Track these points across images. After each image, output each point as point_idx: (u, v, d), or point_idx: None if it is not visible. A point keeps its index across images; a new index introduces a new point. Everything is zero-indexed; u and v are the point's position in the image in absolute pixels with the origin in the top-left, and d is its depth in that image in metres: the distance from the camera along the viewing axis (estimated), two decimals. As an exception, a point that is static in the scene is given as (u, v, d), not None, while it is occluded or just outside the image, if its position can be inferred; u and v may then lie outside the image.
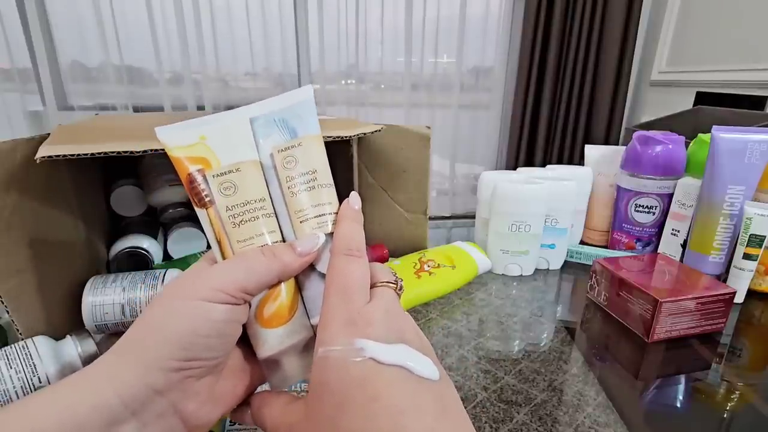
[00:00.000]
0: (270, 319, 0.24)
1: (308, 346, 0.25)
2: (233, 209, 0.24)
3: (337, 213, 0.26)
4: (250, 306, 0.23)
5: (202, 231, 0.58)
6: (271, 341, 0.24)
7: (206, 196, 0.24)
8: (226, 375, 0.24)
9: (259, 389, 0.25)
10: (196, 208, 0.24)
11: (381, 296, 0.23)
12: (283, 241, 0.25)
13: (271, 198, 0.25)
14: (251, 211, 0.24)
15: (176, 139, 0.24)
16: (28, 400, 0.19)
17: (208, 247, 0.30)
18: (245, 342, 0.24)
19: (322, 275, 0.24)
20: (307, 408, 0.20)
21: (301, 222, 0.25)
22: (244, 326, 0.24)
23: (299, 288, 0.25)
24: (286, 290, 0.24)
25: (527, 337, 0.49)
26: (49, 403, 0.19)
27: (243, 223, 0.24)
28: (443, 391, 0.20)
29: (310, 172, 0.25)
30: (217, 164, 0.24)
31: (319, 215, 0.25)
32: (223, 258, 0.24)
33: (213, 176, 0.24)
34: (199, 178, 0.23)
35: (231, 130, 0.25)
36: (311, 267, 0.25)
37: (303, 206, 0.25)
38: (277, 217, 0.25)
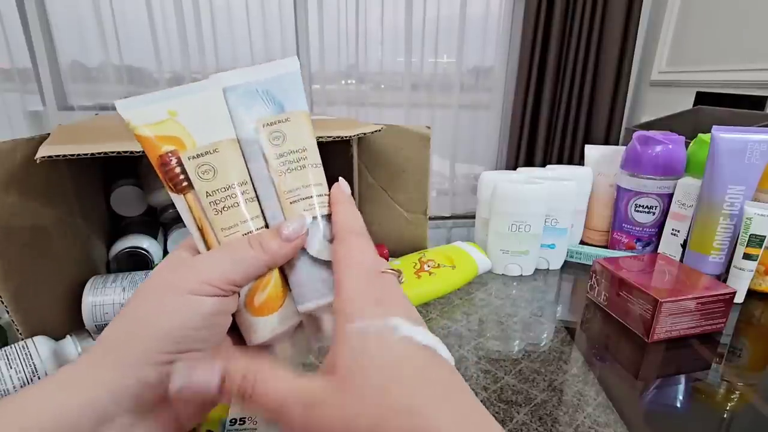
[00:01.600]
0: (261, 308, 0.23)
1: (298, 331, 0.25)
2: (214, 195, 0.22)
3: (327, 195, 0.24)
4: (239, 295, 0.23)
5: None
6: (262, 329, 0.23)
7: (183, 180, 0.22)
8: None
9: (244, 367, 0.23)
10: (170, 194, 0.22)
11: (393, 281, 0.22)
12: (266, 224, 0.24)
13: (251, 177, 0.23)
14: (233, 196, 0.22)
15: (142, 116, 0.21)
16: (16, 399, 0.19)
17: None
18: (234, 328, 0.24)
19: (314, 259, 0.23)
20: (339, 383, 0.19)
21: (291, 203, 0.23)
22: (233, 314, 0.23)
23: (284, 273, 0.24)
24: (275, 278, 0.23)
25: (527, 337, 0.49)
26: (39, 403, 0.18)
27: (225, 209, 0.22)
28: (457, 376, 0.20)
29: (300, 150, 0.24)
30: (192, 144, 0.22)
31: (310, 196, 0.24)
32: (206, 246, 0.23)
33: (189, 158, 0.21)
34: (173, 161, 0.21)
35: (204, 103, 0.22)
36: (300, 250, 0.23)
37: (293, 186, 0.23)
38: (259, 198, 0.24)
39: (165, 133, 0.21)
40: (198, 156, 0.22)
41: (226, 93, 0.23)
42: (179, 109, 0.22)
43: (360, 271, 0.22)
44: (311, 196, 0.24)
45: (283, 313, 0.24)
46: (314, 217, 0.24)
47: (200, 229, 0.22)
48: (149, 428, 0.21)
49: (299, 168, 0.24)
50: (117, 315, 0.21)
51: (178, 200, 0.22)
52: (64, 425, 0.18)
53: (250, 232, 0.23)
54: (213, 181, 0.22)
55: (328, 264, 0.24)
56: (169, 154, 0.21)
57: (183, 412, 0.22)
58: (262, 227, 0.24)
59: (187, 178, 0.22)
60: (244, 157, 0.23)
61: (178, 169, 0.21)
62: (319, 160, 0.24)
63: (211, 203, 0.22)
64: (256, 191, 0.24)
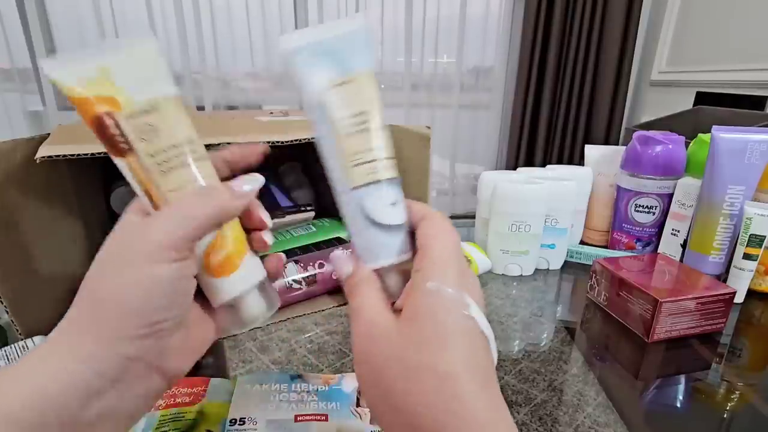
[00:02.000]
0: (219, 268, 0.23)
1: (263, 285, 0.24)
2: (157, 155, 0.21)
3: (392, 158, 0.24)
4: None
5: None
6: (225, 289, 0.23)
7: (121, 142, 0.20)
8: (194, 324, 0.24)
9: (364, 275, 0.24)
10: (112, 158, 0.21)
11: (470, 268, 0.23)
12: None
13: (318, 139, 0.23)
14: (179, 155, 0.21)
15: (71, 75, 0.20)
16: None
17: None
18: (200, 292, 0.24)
19: (375, 222, 0.23)
20: (402, 325, 0.21)
21: (354, 165, 0.23)
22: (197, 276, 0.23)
23: (350, 234, 0.24)
24: (231, 235, 0.23)
25: (527, 337, 0.49)
26: (20, 386, 0.18)
27: (172, 170, 0.21)
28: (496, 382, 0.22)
29: (365, 113, 0.23)
30: (129, 103, 0.20)
31: (374, 159, 0.23)
32: (156, 209, 0.22)
33: (126, 118, 0.20)
34: (109, 122, 0.20)
35: (138, 58, 0.21)
36: (361, 212, 0.23)
37: (358, 149, 0.23)
38: (324, 159, 0.23)
39: (98, 92, 0.20)
40: (135, 115, 0.20)
41: (292, 55, 0.22)
42: (111, 65, 0.20)
43: (450, 242, 0.22)
44: (375, 159, 0.23)
45: (243, 271, 0.23)
46: (378, 180, 0.23)
47: (148, 193, 0.21)
48: (137, 397, 0.21)
49: (364, 131, 0.23)
50: (80, 292, 0.21)
51: (120, 164, 0.21)
52: (53, 404, 0.18)
53: (200, 187, 0.22)
54: (155, 142, 0.20)
55: (391, 228, 0.23)
56: (104, 115, 0.20)
57: (173, 366, 0.22)
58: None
59: (126, 140, 0.20)
60: (310, 122, 0.23)
61: (113, 130, 0.20)
62: (384, 123, 0.24)
63: (156, 164, 0.21)
64: (322, 151, 0.23)
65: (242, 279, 0.23)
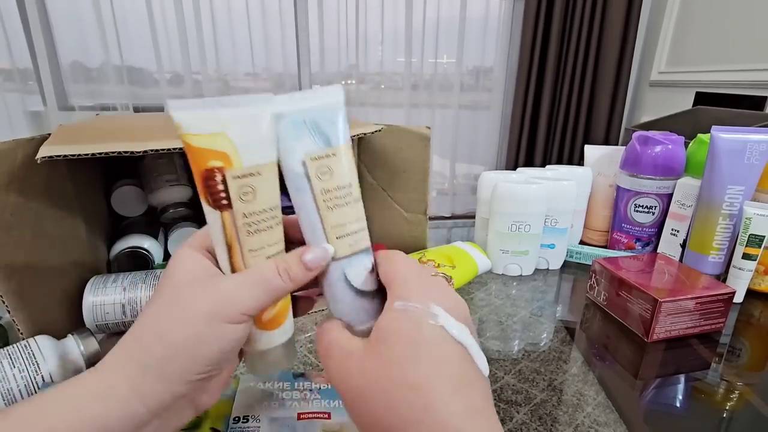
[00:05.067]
0: (268, 323, 0.25)
1: (290, 341, 0.27)
2: (250, 216, 0.22)
3: (366, 229, 0.25)
4: None
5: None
6: (264, 340, 0.25)
7: (223, 198, 0.21)
8: (228, 363, 0.25)
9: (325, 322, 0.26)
10: (207, 208, 0.22)
11: (443, 281, 0.25)
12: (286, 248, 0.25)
13: (297, 207, 0.24)
14: (267, 220, 0.23)
15: (195, 124, 0.20)
16: (47, 409, 0.20)
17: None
18: None
19: (357, 290, 0.25)
20: (371, 347, 0.22)
21: (337, 238, 0.24)
22: None
23: (329, 299, 0.25)
24: (286, 298, 0.25)
25: (527, 336, 0.49)
26: (76, 417, 0.20)
27: (258, 232, 0.22)
28: (488, 389, 0.22)
29: (347, 186, 0.24)
30: (239, 164, 0.21)
31: (355, 231, 0.24)
32: (230, 265, 0.23)
33: (233, 177, 0.21)
34: (218, 177, 0.21)
35: (254, 122, 0.22)
36: (344, 280, 0.25)
37: (341, 221, 0.24)
38: (304, 229, 0.24)
39: (215, 147, 0.21)
40: (242, 176, 0.21)
41: (278, 119, 0.23)
42: (231, 123, 0.21)
43: (413, 267, 0.24)
44: (356, 231, 0.24)
45: (284, 328, 0.26)
46: (359, 251, 0.25)
47: (229, 248, 0.22)
48: (171, 428, 0.23)
49: (345, 204, 0.24)
50: (147, 330, 0.22)
51: (212, 215, 0.22)
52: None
53: (279, 259, 0.24)
54: (252, 203, 0.22)
55: (370, 294, 0.25)
56: (216, 170, 0.21)
57: (206, 402, 0.24)
58: (282, 251, 0.24)
59: (228, 197, 0.21)
60: (288, 188, 0.24)
61: (220, 186, 0.21)
62: (360, 193, 0.25)
63: (246, 224, 0.22)
64: (305, 221, 0.24)
65: (281, 334, 0.25)
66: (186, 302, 0.22)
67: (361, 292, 0.25)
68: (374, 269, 0.25)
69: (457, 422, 0.19)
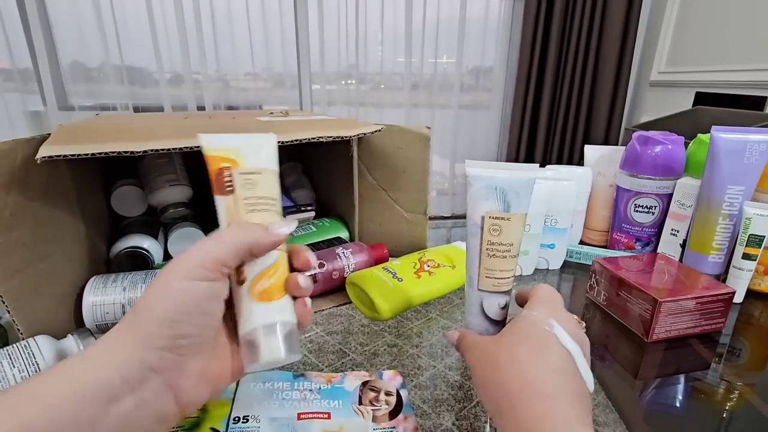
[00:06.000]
0: (262, 294, 0.26)
1: (292, 331, 0.27)
2: (249, 200, 0.27)
3: (512, 277, 0.34)
4: (243, 282, 0.26)
5: (202, 231, 0.58)
6: (262, 315, 0.26)
7: (229, 185, 0.27)
8: (217, 357, 0.26)
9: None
10: (216, 196, 0.27)
11: (575, 321, 0.30)
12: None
13: (467, 246, 0.34)
14: (263, 203, 0.28)
15: (215, 145, 0.28)
16: (34, 381, 0.21)
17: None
18: (234, 330, 0.27)
19: (489, 318, 0.34)
20: (497, 337, 0.29)
21: (486, 277, 0.33)
22: (231, 305, 0.26)
23: (467, 312, 0.36)
24: (280, 270, 0.27)
25: (527, 336, 0.49)
26: (57, 383, 0.20)
27: (255, 211, 0.27)
28: (589, 404, 0.26)
29: (508, 244, 0.32)
30: (244, 165, 0.28)
31: (503, 278, 0.33)
32: None
33: (239, 173, 0.28)
34: (226, 172, 0.27)
35: (259, 143, 0.29)
36: (480, 310, 0.35)
37: (493, 267, 0.33)
38: (468, 264, 0.34)
39: (227, 155, 0.28)
40: (246, 173, 0.28)
41: (476, 180, 0.32)
42: (242, 145, 0.28)
43: (550, 294, 0.31)
44: (502, 278, 0.33)
45: (282, 305, 0.27)
46: (498, 292, 0.34)
47: (229, 224, 0.27)
48: (150, 414, 0.22)
49: (501, 257, 0.33)
50: (133, 306, 0.23)
51: (220, 200, 0.27)
52: (80, 400, 0.20)
53: (243, 221, 0.27)
54: (251, 191, 0.28)
55: (496, 322, 0.34)
56: (225, 168, 0.27)
57: (189, 394, 0.24)
58: None
59: (233, 186, 0.27)
60: (467, 231, 0.34)
61: (228, 178, 0.27)
62: (518, 252, 0.33)
63: (246, 204, 0.27)
64: (472, 258, 0.34)
65: (279, 310, 0.27)
66: (163, 270, 0.24)
67: (490, 320, 0.34)
68: (506, 307, 0.34)
69: (543, 386, 0.24)
